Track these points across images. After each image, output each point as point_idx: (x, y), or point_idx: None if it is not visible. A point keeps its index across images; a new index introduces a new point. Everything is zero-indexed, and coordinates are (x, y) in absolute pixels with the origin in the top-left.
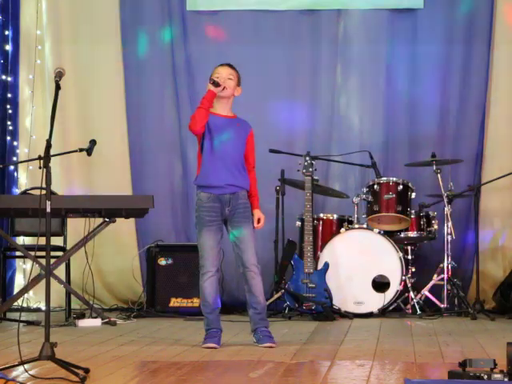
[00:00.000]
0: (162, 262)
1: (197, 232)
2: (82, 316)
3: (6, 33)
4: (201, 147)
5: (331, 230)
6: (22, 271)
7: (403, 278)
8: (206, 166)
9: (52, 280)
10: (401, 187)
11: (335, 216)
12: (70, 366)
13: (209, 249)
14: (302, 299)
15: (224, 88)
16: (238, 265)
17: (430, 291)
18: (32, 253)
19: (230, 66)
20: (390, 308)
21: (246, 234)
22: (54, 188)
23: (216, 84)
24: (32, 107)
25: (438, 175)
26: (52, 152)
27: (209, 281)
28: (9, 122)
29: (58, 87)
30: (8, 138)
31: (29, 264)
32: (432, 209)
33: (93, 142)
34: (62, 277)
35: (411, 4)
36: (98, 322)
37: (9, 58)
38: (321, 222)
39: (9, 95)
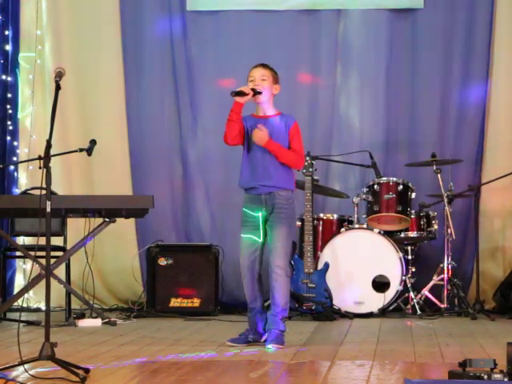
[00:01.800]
0: (162, 261)
1: None
2: (82, 316)
3: (6, 33)
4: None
5: (331, 230)
6: (22, 271)
7: (403, 277)
8: (243, 167)
9: (52, 280)
10: (401, 187)
11: (335, 216)
12: (70, 366)
13: (243, 248)
14: (302, 299)
15: (257, 94)
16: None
17: (430, 291)
18: (32, 253)
19: (264, 65)
20: (390, 308)
21: (277, 235)
22: (53, 188)
23: (241, 94)
24: (32, 107)
25: (438, 175)
26: (52, 152)
27: (245, 281)
28: (9, 122)
29: (57, 87)
30: (8, 137)
31: (29, 264)
32: (432, 209)
33: (93, 142)
34: (62, 277)
35: (411, 4)
36: (98, 322)
37: (9, 58)
38: (321, 222)
39: (9, 95)
